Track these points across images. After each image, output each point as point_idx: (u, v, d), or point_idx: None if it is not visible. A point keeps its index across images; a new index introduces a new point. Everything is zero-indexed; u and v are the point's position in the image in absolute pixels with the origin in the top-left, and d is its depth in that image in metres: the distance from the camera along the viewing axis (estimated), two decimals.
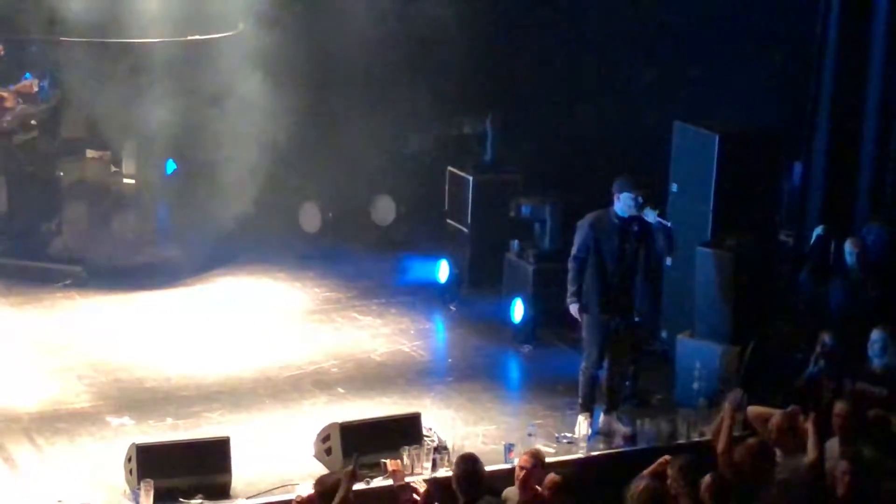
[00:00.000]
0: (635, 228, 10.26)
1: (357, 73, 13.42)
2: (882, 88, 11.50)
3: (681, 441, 10.13)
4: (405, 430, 9.80)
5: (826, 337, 10.06)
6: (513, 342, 12.28)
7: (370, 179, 14.30)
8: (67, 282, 13.20)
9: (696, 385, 10.79)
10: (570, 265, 10.38)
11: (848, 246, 10.79)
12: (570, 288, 10.37)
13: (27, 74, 13.68)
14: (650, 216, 10.15)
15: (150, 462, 9.10)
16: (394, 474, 8.67)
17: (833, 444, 8.69)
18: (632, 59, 12.92)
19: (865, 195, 11.66)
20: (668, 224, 10.26)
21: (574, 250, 10.38)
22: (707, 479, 7.96)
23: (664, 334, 11.59)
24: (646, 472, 8.26)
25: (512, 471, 8.70)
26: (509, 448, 9.39)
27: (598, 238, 10.29)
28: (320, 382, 11.36)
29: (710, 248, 11.04)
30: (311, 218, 14.38)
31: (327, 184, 14.22)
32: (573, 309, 10.36)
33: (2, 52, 13.60)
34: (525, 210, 12.79)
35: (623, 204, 10.17)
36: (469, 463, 8.37)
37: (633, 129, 12.22)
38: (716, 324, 10.93)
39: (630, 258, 10.29)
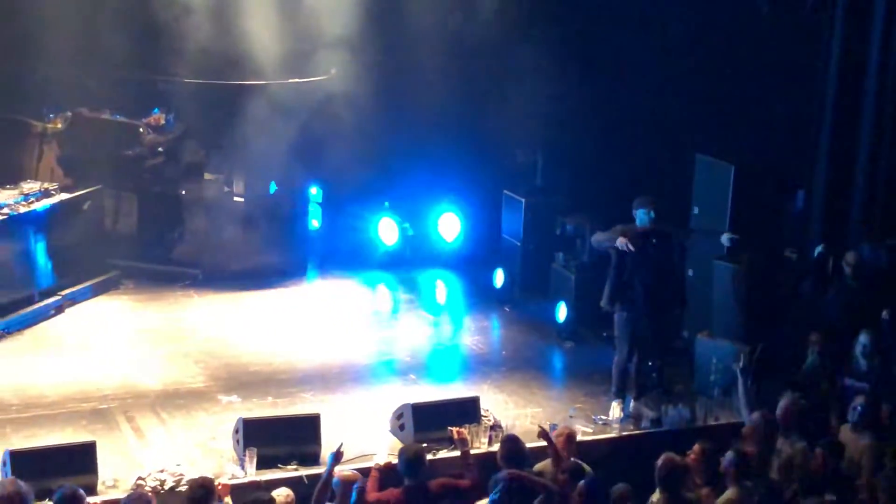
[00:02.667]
0: (654, 241, 10.24)
1: (431, 109, 13.35)
2: (872, 133, 11.42)
3: (699, 424, 10.08)
4: (466, 411, 9.78)
5: (820, 337, 10.02)
6: (557, 339, 12.24)
7: (439, 199, 14.27)
8: (187, 282, 13.29)
9: (712, 377, 10.75)
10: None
11: (846, 259, 10.70)
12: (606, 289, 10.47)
13: (156, 109, 13.79)
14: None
15: (253, 433, 9.14)
16: (461, 440, 8.69)
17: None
18: (659, 97, 12.81)
19: (858, 219, 11.54)
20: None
21: (603, 236, 10.42)
22: (729, 455, 7.96)
23: (685, 333, 11.50)
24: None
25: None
26: (553, 427, 9.34)
27: (620, 251, 10.24)
28: (396, 370, 11.37)
29: (725, 261, 10.99)
30: (389, 232, 14.38)
31: (404, 203, 14.20)
32: (609, 304, 10.47)
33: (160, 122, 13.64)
34: (569, 228, 12.80)
35: (638, 219, 10.19)
36: (512, 443, 8.50)
37: (661, 158, 12.12)
38: (730, 325, 10.86)
39: (650, 264, 10.25)
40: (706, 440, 8.52)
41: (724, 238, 10.71)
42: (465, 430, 9.04)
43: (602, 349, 11.25)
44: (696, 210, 11.52)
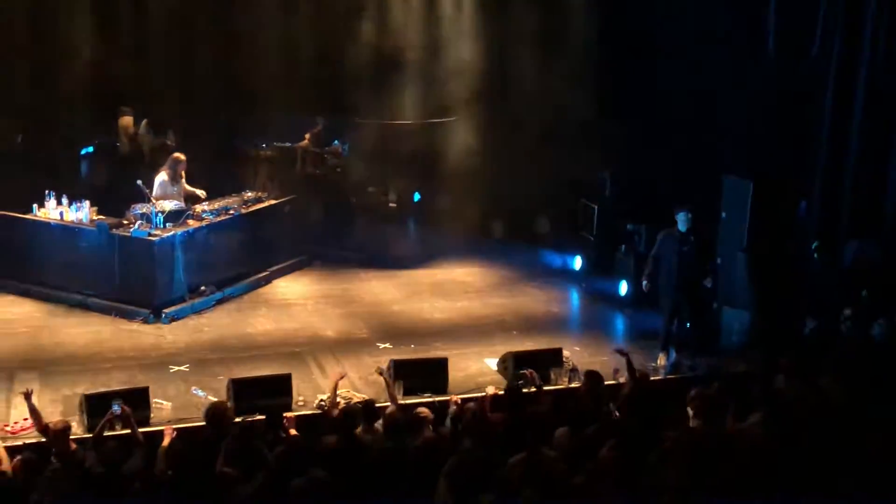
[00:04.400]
0: (692, 238, 10.05)
1: (529, 136, 13.25)
2: (857, 156, 11.01)
3: (722, 371, 9.84)
4: (552, 357, 9.73)
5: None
6: (620, 308, 12.06)
7: (535, 203, 14.10)
8: (356, 263, 13.33)
9: (734, 338, 10.52)
10: (648, 260, 10.32)
11: (848, 248, 10.44)
12: (646, 271, 10.30)
13: (335, 141, 13.98)
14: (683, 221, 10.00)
15: (400, 370, 9.19)
16: (532, 377, 8.59)
17: None
18: (695, 129, 12.47)
19: (847, 221, 11.16)
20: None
21: (652, 251, 10.30)
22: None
23: (715, 305, 11.23)
24: None
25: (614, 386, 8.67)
26: (616, 371, 9.25)
27: (665, 243, 10.13)
28: (501, 327, 11.29)
29: (745, 252, 10.73)
30: (496, 227, 14.35)
31: (507, 205, 14.07)
32: (644, 284, 10.31)
33: (319, 128, 13.77)
34: (629, 227, 12.59)
35: (679, 221, 10.01)
36: (595, 377, 8.29)
37: (697, 175, 11.80)
38: (747, 299, 10.61)
39: (688, 256, 10.06)
40: (726, 382, 8.39)
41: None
42: (533, 371, 8.73)
43: (652, 316, 11.06)
44: (724, 215, 11.23)
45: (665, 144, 12.69)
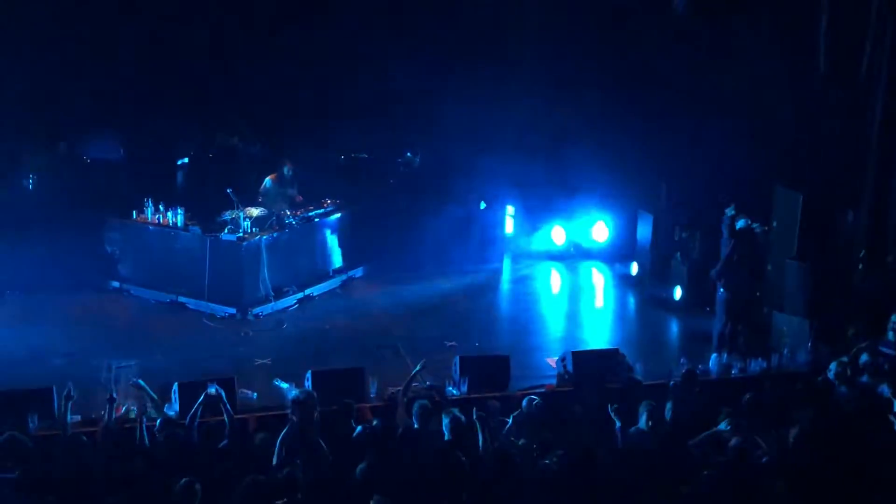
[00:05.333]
0: (748, 243, 10.14)
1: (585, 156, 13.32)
2: None
3: (772, 373, 9.87)
4: (609, 356, 9.77)
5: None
6: (675, 311, 12.15)
7: (593, 213, 14.14)
8: (424, 268, 13.18)
9: (783, 340, 10.50)
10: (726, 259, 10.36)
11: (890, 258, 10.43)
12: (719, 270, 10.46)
13: (408, 153, 14.06)
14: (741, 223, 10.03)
15: (466, 366, 9.32)
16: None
17: None
18: (748, 142, 12.43)
19: (893, 231, 11.11)
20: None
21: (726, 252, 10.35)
22: None
23: (766, 310, 11.27)
24: None
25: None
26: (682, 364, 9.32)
27: (735, 247, 10.19)
28: (560, 328, 11.50)
29: (795, 260, 10.81)
30: (559, 235, 14.45)
31: (571, 215, 14.05)
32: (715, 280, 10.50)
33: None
34: (683, 235, 12.68)
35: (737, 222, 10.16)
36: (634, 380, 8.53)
37: (749, 185, 11.81)
38: (797, 305, 10.68)
39: (746, 262, 10.14)
40: (776, 383, 8.49)
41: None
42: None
43: (705, 319, 11.15)
44: (774, 223, 11.30)
45: (720, 156, 12.73)
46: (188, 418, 7.59)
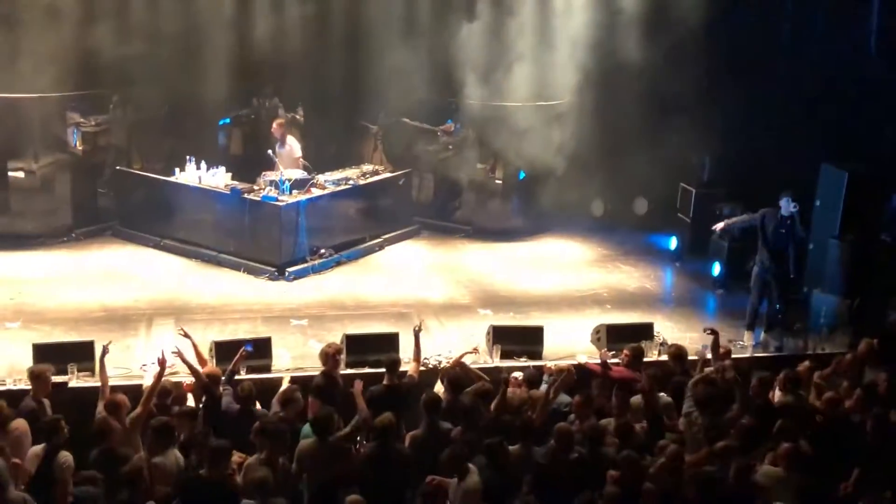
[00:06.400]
0: (788, 222, 9.98)
1: (633, 128, 13.15)
2: None
3: (809, 353, 9.81)
4: (644, 331, 9.82)
5: None
6: (712, 287, 12.02)
7: (635, 186, 13.99)
8: (462, 235, 13.62)
9: (822, 320, 10.42)
10: (742, 217, 10.62)
11: None
12: (732, 221, 10.67)
13: (449, 120, 14.13)
14: (786, 206, 9.89)
15: (500, 336, 9.43)
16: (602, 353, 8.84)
17: None
18: (795, 118, 12.23)
19: None
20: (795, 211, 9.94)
21: (749, 217, 10.37)
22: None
23: (805, 289, 11.14)
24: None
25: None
26: (705, 347, 9.28)
27: (764, 223, 10.07)
28: (597, 301, 11.42)
29: (837, 239, 10.62)
30: (597, 206, 14.39)
31: (610, 187, 13.98)
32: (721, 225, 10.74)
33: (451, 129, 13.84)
34: (727, 211, 12.44)
35: (782, 205, 9.98)
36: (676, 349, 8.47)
37: (793, 162, 11.60)
38: (837, 284, 10.53)
39: (784, 239, 9.99)
40: (814, 362, 8.42)
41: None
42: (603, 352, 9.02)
43: (742, 296, 11.01)
44: (818, 202, 11.10)
45: (765, 133, 12.50)
46: (226, 376, 7.73)
